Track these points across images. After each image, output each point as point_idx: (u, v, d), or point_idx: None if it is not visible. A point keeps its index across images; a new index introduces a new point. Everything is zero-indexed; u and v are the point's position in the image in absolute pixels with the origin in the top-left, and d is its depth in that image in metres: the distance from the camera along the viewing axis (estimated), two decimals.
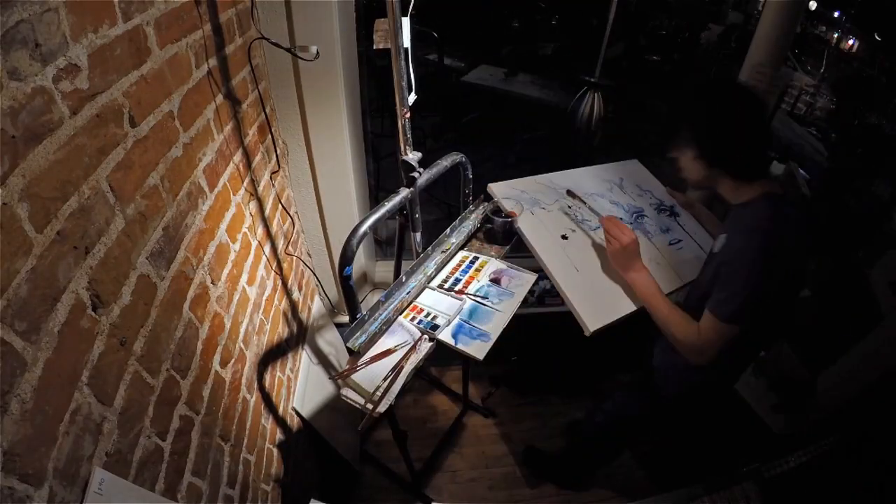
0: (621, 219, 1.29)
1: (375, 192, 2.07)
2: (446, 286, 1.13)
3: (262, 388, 1.20)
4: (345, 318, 1.93)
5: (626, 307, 1.12)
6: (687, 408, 1.35)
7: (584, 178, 1.40)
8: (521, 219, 1.21)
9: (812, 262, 1.01)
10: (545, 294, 2.06)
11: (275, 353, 1.31)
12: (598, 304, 1.10)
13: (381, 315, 1.02)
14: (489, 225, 1.27)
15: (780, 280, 0.97)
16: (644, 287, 1.10)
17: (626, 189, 1.41)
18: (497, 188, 1.29)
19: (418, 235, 1.19)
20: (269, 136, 1.30)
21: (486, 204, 1.31)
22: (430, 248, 1.19)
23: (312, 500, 0.89)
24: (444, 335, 1.01)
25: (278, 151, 1.40)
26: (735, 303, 0.96)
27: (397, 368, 0.94)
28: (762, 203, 0.99)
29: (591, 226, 1.26)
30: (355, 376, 0.93)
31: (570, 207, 1.29)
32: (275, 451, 1.27)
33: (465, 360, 1.95)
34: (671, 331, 1.05)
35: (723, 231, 1.07)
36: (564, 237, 1.22)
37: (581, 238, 1.22)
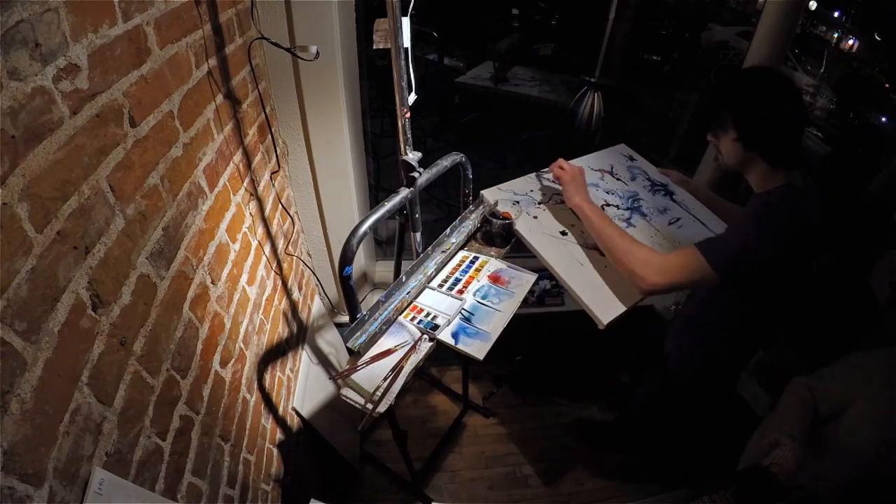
0: (618, 206, 1.30)
1: (375, 192, 2.07)
2: (446, 286, 1.12)
3: (262, 387, 1.20)
4: (345, 318, 1.93)
5: (637, 294, 1.11)
6: (702, 389, 1.36)
7: None
8: (519, 221, 1.21)
9: (818, 261, 1.02)
10: (545, 294, 2.06)
11: (275, 353, 1.31)
12: (607, 295, 1.10)
13: (381, 315, 1.02)
14: (487, 227, 1.27)
15: (778, 257, 0.98)
16: (595, 213, 1.11)
17: (618, 175, 1.41)
18: (489, 194, 1.29)
19: (418, 235, 1.19)
20: (269, 135, 1.30)
21: (486, 205, 1.30)
22: (430, 248, 1.19)
23: (312, 500, 0.89)
24: (444, 335, 1.01)
25: (278, 151, 1.40)
26: (725, 250, 0.98)
27: (397, 368, 0.94)
28: (779, 193, 1.00)
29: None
30: (355, 376, 0.93)
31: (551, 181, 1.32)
32: (275, 450, 1.27)
33: (465, 359, 1.95)
34: (627, 249, 1.05)
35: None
36: (563, 233, 1.22)
37: (579, 232, 1.22)
